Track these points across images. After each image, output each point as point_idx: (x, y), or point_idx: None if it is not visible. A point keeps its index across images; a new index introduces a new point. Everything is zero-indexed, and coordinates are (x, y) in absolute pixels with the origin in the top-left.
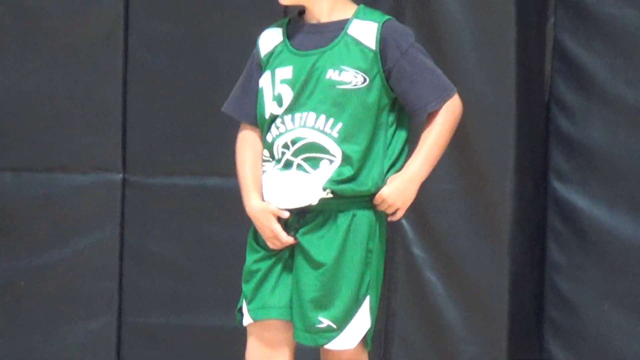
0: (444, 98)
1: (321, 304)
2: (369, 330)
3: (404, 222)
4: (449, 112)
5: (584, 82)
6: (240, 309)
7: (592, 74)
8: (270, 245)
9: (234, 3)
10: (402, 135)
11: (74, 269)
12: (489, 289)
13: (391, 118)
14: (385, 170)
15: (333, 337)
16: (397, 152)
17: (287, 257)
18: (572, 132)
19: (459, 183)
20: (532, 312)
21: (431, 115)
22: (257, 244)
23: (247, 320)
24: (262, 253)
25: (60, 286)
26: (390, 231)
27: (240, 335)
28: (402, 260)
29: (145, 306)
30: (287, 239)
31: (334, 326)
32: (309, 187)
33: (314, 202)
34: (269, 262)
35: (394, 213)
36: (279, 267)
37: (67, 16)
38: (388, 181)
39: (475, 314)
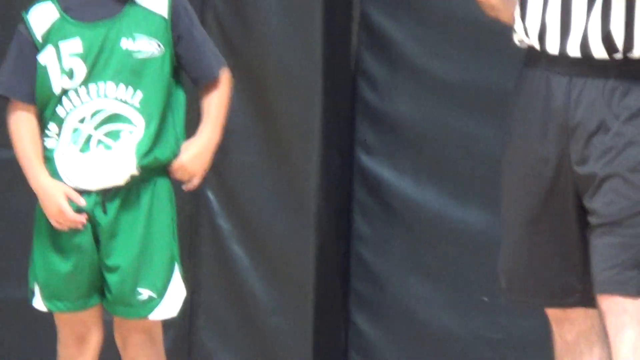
0: (223, 66)
1: (138, 276)
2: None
3: (209, 194)
4: (227, 80)
5: (390, 55)
6: None
7: (399, 46)
8: (54, 224)
9: None
10: (182, 102)
11: None
12: (294, 261)
13: (174, 85)
14: (179, 138)
15: (155, 307)
16: (182, 119)
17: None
18: (378, 105)
19: (265, 155)
20: (338, 284)
21: (210, 84)
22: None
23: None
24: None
25: None
26: (195, 203)
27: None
28: (208, 232)
29: None
30: (75, 217)
31: (154, 295)
32: (115, 166)
33: (122, 181)
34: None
35: (189, 181)
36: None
37: None
38: (183, 148)
39: (281, 286)
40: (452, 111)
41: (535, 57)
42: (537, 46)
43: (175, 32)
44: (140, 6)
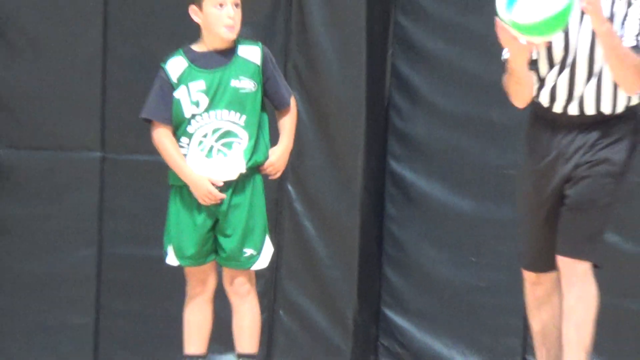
0: (292, 97)
1: (244, 241)
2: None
3: (288, 185)
4: (295, 106)
5: (412, 94)
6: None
7: (417, 88)
8: (201, 201)
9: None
10: (267, 121)
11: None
12: (346, 232)
13: (261, 110)
14: (267, 146)
15: (254, 262)
16: (267, 133)
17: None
18: (404, 128)
19: (326, 159)
20: (375, 249)
21: (284, 109)
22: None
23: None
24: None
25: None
26: (278, 191)
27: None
28: (287, 212)
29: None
30: (221, 195)
31: (255, 253)
32: (230, 167)
33: (234, 177)
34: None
35: (274, 175)
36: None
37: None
38: (270, 153)
39: (336, 249)
40: (454, 132)
41: (544, 110)
42: (548, 105)
43: (265, 75)
44: (242, 57)
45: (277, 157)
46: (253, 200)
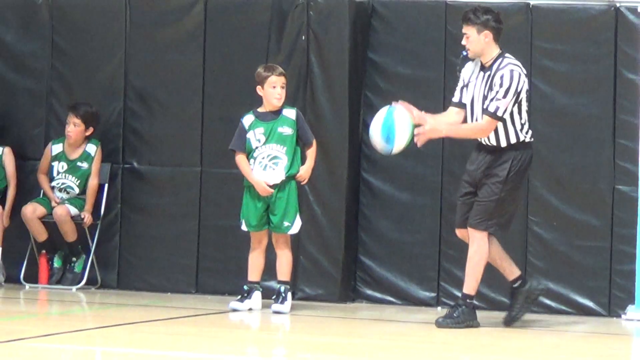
0: (313, 139)
1: (284, 217)
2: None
3: (305, 186)
4: (315, 144)
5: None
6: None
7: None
8: (261, 194)
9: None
10: (299, 152)
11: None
12: (336, 210)
13: (296, 145)
14: (299, 165)
15: (290, 229)
16: (299, 158)
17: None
18: (374, 151)
19: (324, 170)
20: (353, 221)
21: (309, 146)
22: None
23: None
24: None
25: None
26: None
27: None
28: (305, 201)
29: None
30: (270, 191)
31: (290, 225)
32: (276, 176)
33: (279, 181)
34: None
35: (303, 182)
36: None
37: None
38: (300, 169)
39: (332, 221)
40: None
41: (478, 140)
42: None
43: (297, 126)
44: (285, 115)
45: (304, 171)
46: (290, 195)
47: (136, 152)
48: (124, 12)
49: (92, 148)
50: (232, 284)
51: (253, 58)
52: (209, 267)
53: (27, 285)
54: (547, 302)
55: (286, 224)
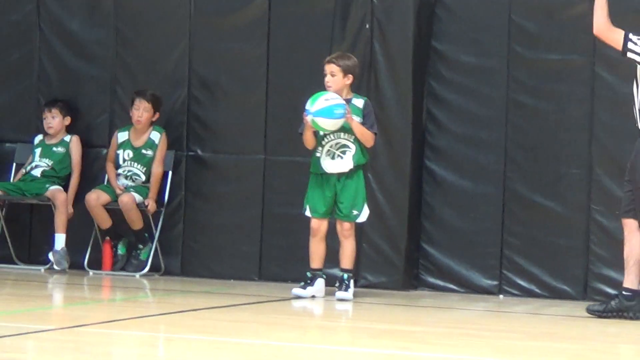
0: (375, 130)
1: (352, 205)
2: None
3: (369, 174)
4: (374, 137)
5: (446, 109)
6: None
7: (449, 104)
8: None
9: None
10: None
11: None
12: (400, 199)
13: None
14: (366, 154)
15: (358, 217)
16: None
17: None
18: (437, 139)
19: (387, 159)
20: (417, 209)
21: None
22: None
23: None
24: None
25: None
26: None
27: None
28: (369, 189)
29: (276, 205)
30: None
31: (358, 213)
32: (345, 164)
33: (347, 170)
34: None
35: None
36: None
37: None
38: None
39: (396, 209)
40: (465, 136)
41: None
42: None
43: (363, 113)
44: (353, 104)
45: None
46: (358, 184)
47: (200, 140)
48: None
49: (156, 135)
50: (295, 271)
51: (317, 46)
52: (272, 255)
53: (91, 272)
54: (609, 290)
55: (355, 212)
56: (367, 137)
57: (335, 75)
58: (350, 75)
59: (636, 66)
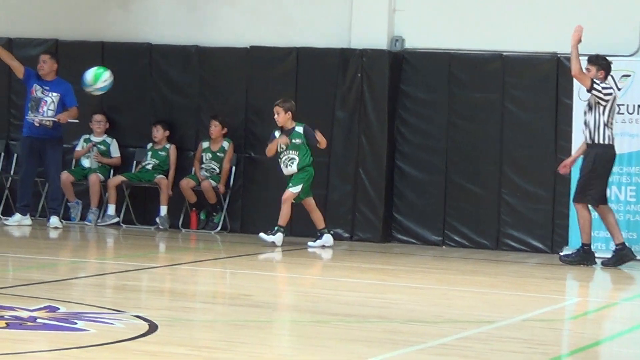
0: (317, 142)
1: (294, 183)
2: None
3: (360, 170)
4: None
5: (409, 128)
6: None
7: (411, 124)
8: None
9: None
10: (309, 152)
11: None
12: (378, 182)
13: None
14: (309, 159)
15: (292, 189)
16: (309, 154)
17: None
18: (403, 147)
19: (369, 162)
20: (389, 189)
21: (316, 147)
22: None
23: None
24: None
25: None
26: (354, 176)
27: None
28: (354, 179)
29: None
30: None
31: (293, 186)
32: (292, 169)
33: (293, 172)
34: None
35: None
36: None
37: None
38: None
39: (376, 189)
40: (425, 144)
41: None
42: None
43: (305, 133)
44: (296, 130)
45: (322, 141)
46: (302, 174)
47: (252, 146)
48: (246, 57)
49: (226, 144)
50: (306, 229)
51: (327, 87)
52: (297, 217)
53: (183, 230)
54: (514, 244)
55: (291, 185)
56: (322, 145)
57: (279, 114)
58: (290, 112)
59: (591, 99)
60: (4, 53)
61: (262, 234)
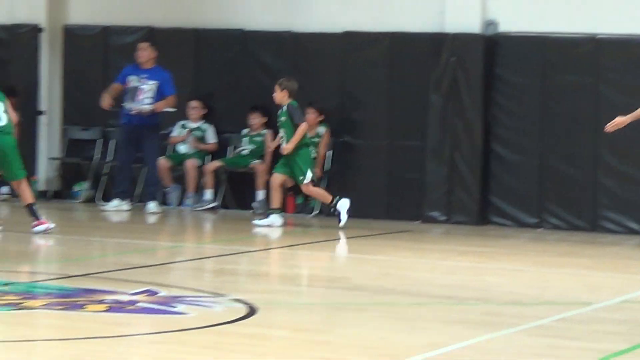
0: (301, 123)
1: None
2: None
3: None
4: (302, 125)
5: (502, 110)
6: None
7: (503, 106)
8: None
9: None
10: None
11: None
12: (475, 165)
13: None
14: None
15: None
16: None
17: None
18: (497, 129)
19: (465, 145)
20: (486, 172)
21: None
22: None
23: None
24: None
25: None
26: (448, 162)
27: None
28: (450, 164)
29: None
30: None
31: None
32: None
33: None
34: None
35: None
36: None
37: None
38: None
39: (473, 171)
40: (518, 128)
41: None
42: None
43: (289, 111)
44: (284, 111)
45: (289, 144)
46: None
47: (348, 131)
48: (340, 43)
49: (321, 130)
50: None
51: (421, 73)
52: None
53: (282, 213)
54: None
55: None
56: (299, 132)
57: (276, 91)
58: (286, 90)
59: None
60: (111, 92)
61: (256, 222)
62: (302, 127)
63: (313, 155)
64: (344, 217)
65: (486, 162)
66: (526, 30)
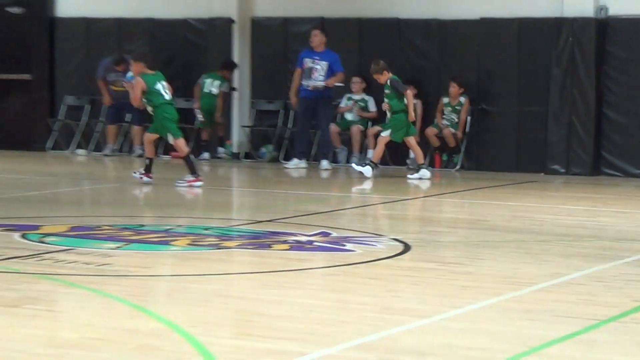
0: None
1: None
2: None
3: (573, 119)
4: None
5: (613, 82)
6: None
7: (615, 79)
8: None
9: None
10: (399, 100)
11: None
12: (589, 126)
13: None
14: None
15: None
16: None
17: None
18: (608, 97)
19: (582, 110)
20: (599, 134)
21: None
22: None
23: None
24: None
25: None
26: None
27: None
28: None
29: None
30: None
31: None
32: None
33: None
34: None
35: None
36: None
37: None
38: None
39: (587, 132)
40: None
41: None
42: None
43: (394, 88)
44: (388, 84)
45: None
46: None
47: (484, 99)
48: (477, 27)
49: (462, 99)
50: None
51: (544, 51)
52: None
53: (430, 168)
54: None
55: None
56: (409, 98)
57: (379, 78)
58: (383, 71)
59: None
60: (295, 82)
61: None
62: (409, 93)
63: (456, 120)
64: (368, 171)
65: (598, 124)
66: (632, 13)
